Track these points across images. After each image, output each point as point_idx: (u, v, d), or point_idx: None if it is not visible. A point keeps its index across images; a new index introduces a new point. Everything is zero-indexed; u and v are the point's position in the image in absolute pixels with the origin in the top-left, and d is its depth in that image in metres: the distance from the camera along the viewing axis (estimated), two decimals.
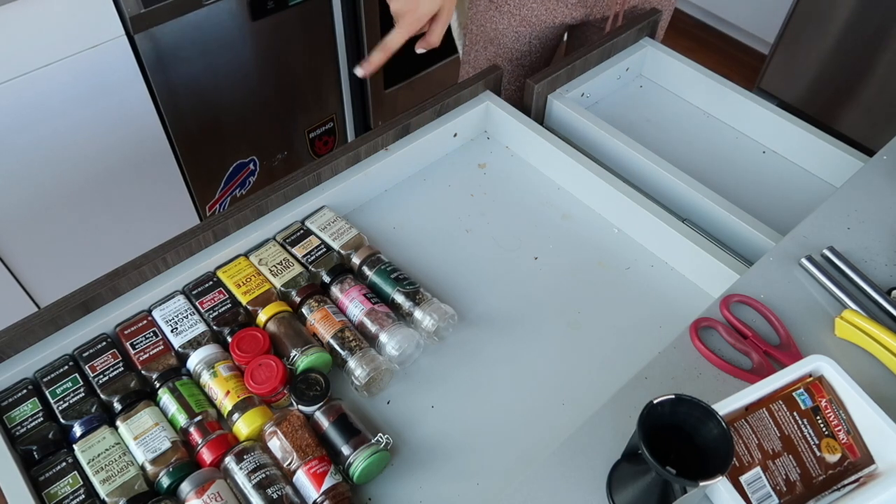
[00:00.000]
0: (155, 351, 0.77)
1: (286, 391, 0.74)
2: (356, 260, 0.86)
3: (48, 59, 1.28)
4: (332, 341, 0.78)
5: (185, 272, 0.83)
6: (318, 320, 0.79)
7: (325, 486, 0.66)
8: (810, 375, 0.64)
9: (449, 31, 1.08)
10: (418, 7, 0.83)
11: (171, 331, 0.79)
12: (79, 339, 0.78)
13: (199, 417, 0.72)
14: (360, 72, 0.87)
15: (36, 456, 0.69)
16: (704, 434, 0.55)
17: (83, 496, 0.67)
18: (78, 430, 0.71)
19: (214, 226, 0.85)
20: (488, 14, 1.17)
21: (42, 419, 0.72)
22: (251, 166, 1.82)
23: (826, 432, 0.62)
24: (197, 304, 0.82)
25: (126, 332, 0.79)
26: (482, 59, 1.23)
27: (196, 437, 0.71)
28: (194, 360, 0.76)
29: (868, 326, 0.69)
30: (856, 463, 0.61)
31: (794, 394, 0.63)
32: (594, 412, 0.66)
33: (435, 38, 0.86)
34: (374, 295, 0.83)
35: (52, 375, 0.75)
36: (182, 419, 0.72)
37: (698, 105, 1.13)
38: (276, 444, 0.70)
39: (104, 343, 0.78)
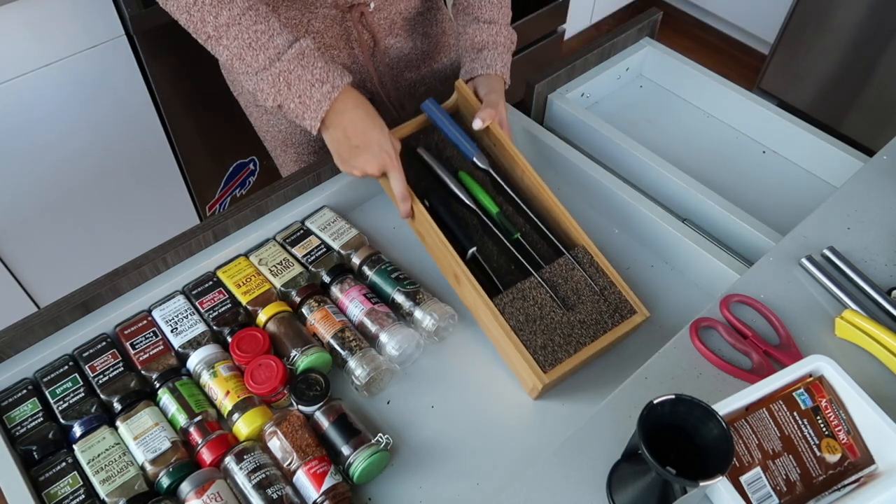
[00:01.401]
0: (155, 351, 0.77)
1: (286, 391, 0.74)
2: (356, 260, 0.86)
3: (48, 59, 1.27)
4: (332, 341, 0.78)
5: (185, 272, 0.83)
6: (318, 320, 0.79)
7: (325, 486, 0.66)
8: (810, 375, 0.64)
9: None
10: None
11: (171, 331, 0.79)
12: (79, 339, 0.78)
13: (198, 417, 0.72)
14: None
15: (36, 456, 0.69)
16: (704, 434, 0.55)
17: (83, 496, 0.67)
18: (78, 430, 0.71)
19: (214, 226, 0.85)
20: (265, 119, 1.05)
21: (42, 419, 0.72)
22: (251, 166, 1.81)
23: (826, 432, 0.62)
24: (197, 304, 0.82)
25: (126, 332, 0.79)
26: (290, 163, 1.11)
27: (196, 437, 0.71)
28: (194, 360, 0.76)
29: (868, 326, 0.69)
30: (856, 463, 0.61)
31: (794, 394, 0.63)
32: (594, 412, 0.66)
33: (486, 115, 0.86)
34: (375, 295, 0.83)
35: (52, 375, 0.75)
36: (182, 419, 0.72)
37: (698, 105, 1.13)
38: (276, 444, 0.70)
39: (104, 343, 0.78)
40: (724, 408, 0.60)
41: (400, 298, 0.82)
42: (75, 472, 0.68)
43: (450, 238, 0.79)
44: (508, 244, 0.82)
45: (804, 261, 0.76)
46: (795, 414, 0.62)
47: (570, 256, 0.80)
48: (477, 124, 0.86)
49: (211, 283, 0.83)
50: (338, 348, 0.77)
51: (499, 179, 0.86)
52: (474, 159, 0.87)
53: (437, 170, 0.87)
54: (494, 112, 0.87)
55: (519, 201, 0.85)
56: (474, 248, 0.81)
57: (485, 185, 0.87)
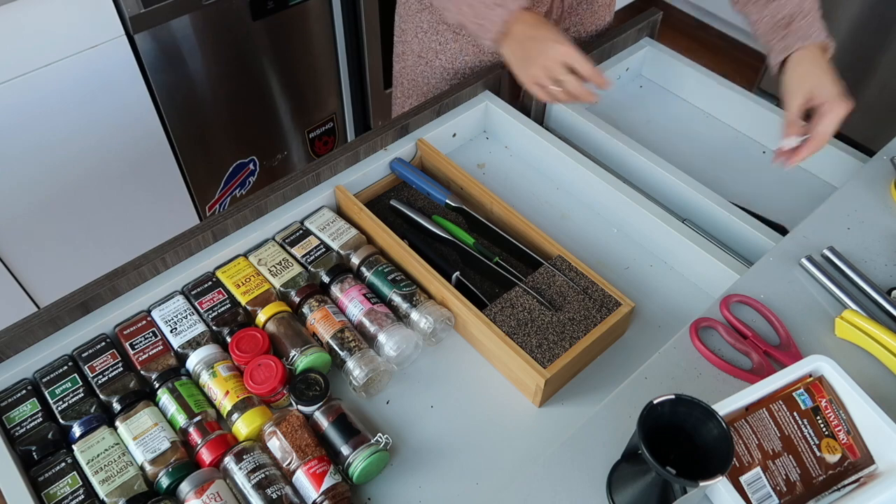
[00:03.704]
0: (154, 351, 0.77)
1: (285, 391, 0.74)
2: (355, 260, 0.86)
3: (48, 59, 1.27)
4: (331, 341, 0.78)
5: (185, 272, 0.83)
6: (318, 320, 0.79)
7: (324, 486, 0.66)
8: (810, 375, 0.64)
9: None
10: None
11: (171, 331, 0.79)
12: (78, 340, 0.77)
13: (198, 417, 0.72)
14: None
15: (35, 456, 0.69)
16: (704, 434, 0.55)
17: (82, 496, 0.67)
18: (77, 430, 0.71)
19: (214, 226, 0.85)
20: (418, 69, 1.11)
21: (41, 419, 0.72)
22: (251, 166, 1.81)
23: (826, 432, 0.62)
24: (196, 304, 0.82)
25: (125, 333, 0.79)
26: None
27: (195, 437, 0.71)
28: (193, 361, 0.76)
29: (868, 326, 0.69)
30: (856, 463, 0.61)
31: (794, 394, 0.63)
32: (594, 412, 0.66)
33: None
34: (374, 295, 0.83)
35: (52, 376, 0.75)
36: (181, 419, 0.72)
37: (698, 105, 1.13)
38: (276, 444, 0.70)
39: (103, 343, 0.78)
40: (724, 408, 0.60)
41: (397, 300, 0.82)
42: (75, 473, 0.68)
43: (433, 268, 0.82)
44: (490, 263, 0.85)
45: (804, 261, 0.76)
46: (795, 414, 0.62)
47: (548, 265, 0.82)
48: (788, 144, 0.82)
49: (210, 283, 0.83)
50: (337, 349, 0.77)
51: (472, 213, 0.90)
52: (447, 201, 0.91)
53: (412, 215, 0.91)
54: (834, 119, 0.79)
55: (493, 227, 0.89)
56: (457, 273, 0.84)
57: (459, 225, 0.92)
